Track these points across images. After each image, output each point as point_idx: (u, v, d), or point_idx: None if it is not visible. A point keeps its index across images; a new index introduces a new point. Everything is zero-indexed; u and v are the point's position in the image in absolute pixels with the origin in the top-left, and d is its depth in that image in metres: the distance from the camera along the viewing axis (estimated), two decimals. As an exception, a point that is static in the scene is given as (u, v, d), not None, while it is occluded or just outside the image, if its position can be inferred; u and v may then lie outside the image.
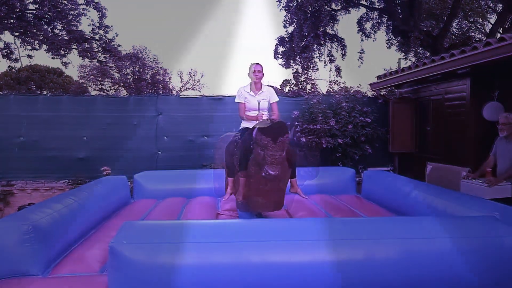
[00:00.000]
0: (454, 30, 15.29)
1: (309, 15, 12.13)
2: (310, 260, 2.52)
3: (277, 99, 4.40)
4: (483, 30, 15.67)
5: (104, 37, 12.62)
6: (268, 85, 4.50)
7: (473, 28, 15.77)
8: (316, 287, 2.51)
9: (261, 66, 4.42)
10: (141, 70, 16.08)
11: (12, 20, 11.26)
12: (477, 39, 14.54)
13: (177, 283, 2.42)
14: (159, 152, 8.18)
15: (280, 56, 13.88)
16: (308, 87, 13.42)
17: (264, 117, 4.26)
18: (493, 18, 14.78)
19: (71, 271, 3.04)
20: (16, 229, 2.94)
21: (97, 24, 12.29)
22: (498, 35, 8.90)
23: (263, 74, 4.42)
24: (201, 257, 2.47)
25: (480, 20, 15.74)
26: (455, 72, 6.04)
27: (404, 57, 14.86)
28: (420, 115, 7.65)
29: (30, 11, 11.51)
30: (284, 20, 13.26)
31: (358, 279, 2.53)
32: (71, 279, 2.89)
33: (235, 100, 4.62)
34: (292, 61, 13.64)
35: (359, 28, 13.50)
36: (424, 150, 7.51)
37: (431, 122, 7.24)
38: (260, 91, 4.41)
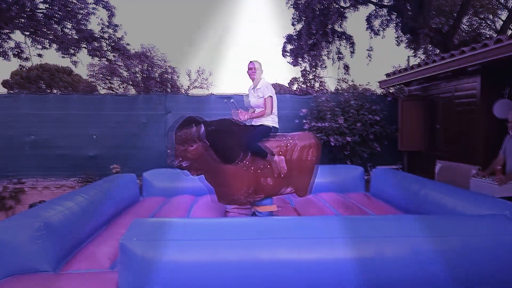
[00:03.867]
0: (464, 27, 15.13)
1: (318, 12, 12.09)
2: (319, 258, 2.53)
3: (268, 94, 4.24)
4: (494, 27, 15.49)
5: (113, 36, 12.67)
6: (266, 81, 4.39)
7: (483, 24, 15.59)
8: (325, 284, 2.52)
9: (254, 63, 4.34)
10: (149, 68, 16.17)
11: (22, 20, 11.36)
12: (488, 36, 14.37)
13: (186, 280, 2.44)
14: (168, 150, 8.21)
15: (288, 54, 13.85)
16: (317, 85, 13.38)
17: (240, 116, 4.27)
18: (504, 15, 14.60)
19: (82, 267, 3.08)
20: (28, 226, 2.98)
21: (106, 23, 12.34)
22: (510, 32, 8.81)
23: (256, 71, 4.33)
24: (210, 255, 2.48)
25: (491, 17, 15.55)
26: (465, 70, 5.99)
27: (413, 54, 14.74)
28: (429, 112, 7.59)
29: (41, 11, 11.60)
30: (292, 17, 13.23)
31: (367, 277, 2.53)
32: (81, 275, 2.93)
33: None
34: (300, 59, 13.59)
35: (367, 26, 13.40)
36: (433, 148, 7.46)
37: (440, 119, 7.19)
38: (256, 88, 4.35)
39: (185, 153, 3.75)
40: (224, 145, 3.87)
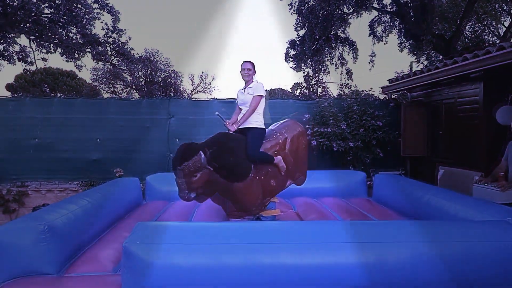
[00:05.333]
0: (467, 33, 15.13)
1: (321, 18, 12.13)
2: (321, 262, 2.54)
3: (259, 93, 4.20)
4: (497, 33, 15.49)
5: (117, 41, 12.76)
6: (260, 82, 4.37)
7: (486, 31, 15.60)
8: (327, 289, 2.53)
9: (250, 64, 4.34)
10: (153, 73, 16.22)
11: (28, 24, 11.46)
12: (491, 42, 14.37)
13: (189, 283, 2.45)
14: (171, 155, 8.24)
15: (291, 59, 13.89)
16: (319, 90, 13.39)
17: (229, 127, 4.23)
18: (507, 21, 14.62)
19: (85, 270, 3.10)
20: (32, 229, 3.01)
21: (111, 28, 12.43)
22: (512, 38, 8.81)
23: (252, 71, 4.32)
24: (212, 258, 2.50)
25: (494, 23, 15.56)
26: (467, 76, 6.00)
27: (416, 60, 14.76)
28: (432, 118, 7.59)
29: (46, 15, 11.69)
30: (295, 23, 13.28)
31: (369, 281, 2.53)
32: (85, 278, 2.95)
33: None
34: (303, 64, 13.64)
35: (370, 31, 13.44)
36: (436, 154, 7.45)
37: (443, 126, 7.19)
38: (248, 87, 4.32)
39: (190, 185, 3.66)
40: (232, 165, 3.80)
